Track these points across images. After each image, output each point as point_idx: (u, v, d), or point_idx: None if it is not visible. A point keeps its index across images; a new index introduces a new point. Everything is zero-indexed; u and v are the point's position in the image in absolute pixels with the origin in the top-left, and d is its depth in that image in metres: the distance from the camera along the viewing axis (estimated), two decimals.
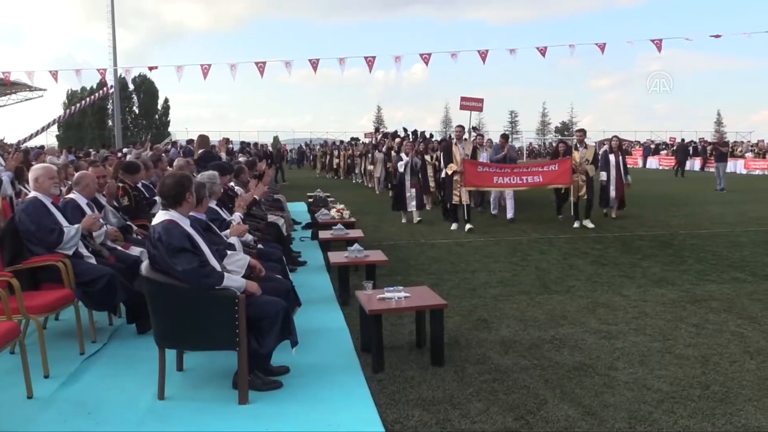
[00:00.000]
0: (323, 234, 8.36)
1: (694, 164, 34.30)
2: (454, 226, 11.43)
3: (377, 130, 24.95)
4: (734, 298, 6.33)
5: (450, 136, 19.68)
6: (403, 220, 12.54)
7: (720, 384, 4.12)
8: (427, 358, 4.59)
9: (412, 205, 12.41)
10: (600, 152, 13.09)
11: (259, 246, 6.05)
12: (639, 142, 49.94)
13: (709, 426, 3.55)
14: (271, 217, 8.24)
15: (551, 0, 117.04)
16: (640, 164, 40.60)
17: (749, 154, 35.91)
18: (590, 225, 11.36)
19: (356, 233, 8.35)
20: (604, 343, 4.97)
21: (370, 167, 21.84)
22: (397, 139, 18.36)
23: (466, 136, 13.38)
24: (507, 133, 14.08)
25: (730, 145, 32.44)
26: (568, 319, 5.67)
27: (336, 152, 30.11)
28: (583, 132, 12.44)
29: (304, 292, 5.44)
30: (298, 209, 14.20)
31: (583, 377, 4.27)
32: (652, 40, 21.98)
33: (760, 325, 5.41)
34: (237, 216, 5.92)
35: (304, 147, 49.86)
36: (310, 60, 22.51)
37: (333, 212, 9.92)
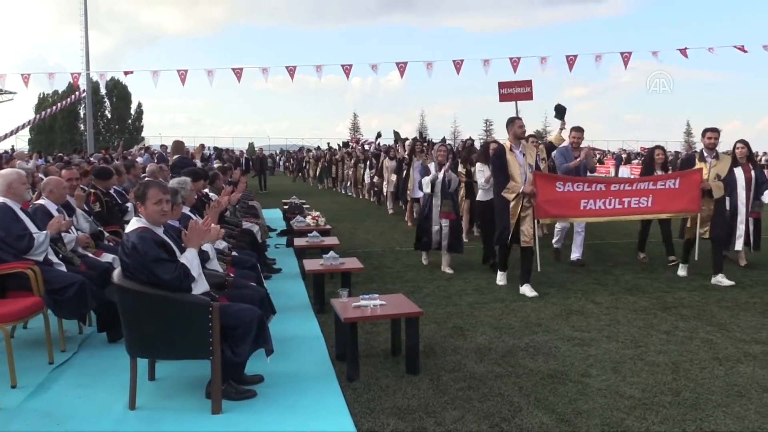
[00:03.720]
0: (298, 241, 8.33)
1: None
2: (501, 279, 7.40)
3: (380, 135, 21.97)
4: (703, 305, 6.45)
5: (468, 140, 14.00)
6: (424, 261, 8.58)
7: (690, 390, 4.19)
8: (403, 366, 4.59)
9: (443, 245, 8.18)
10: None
11: (234, 253, 6.00)
12: (611, 151, 50.73)
13: None
14: (245, 224, 8.19)
15: (527, 10, 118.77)
16: (612, 173, 41.26)
17: None
18: (725, 282, 7.37)
19: (332, 240, 8.34)
20: (578, 350, 5.02)
21: (356, 175, 20.38)
22: (408, 142, 14.11)
23: (549, 137, 8.70)
24: (581, 126, 8.58)
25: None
26: (542, 326, 5.71)
27: (333, 158, 25.55)
28: (716, 132, 7.82)
29: (279, 300, 5.41)
30: (274, 216, 14.15)
31: (557, 384, 4.31)
32: (621, 53, 22.51)
33: (728, 331, 5.51)
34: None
35: (278, 153, 49.68)
36: (287, 67, 22.55)
37: (308, 219, 9.89)
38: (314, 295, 6.44)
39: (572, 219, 7.91)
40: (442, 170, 8.08)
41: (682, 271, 7.94)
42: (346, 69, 22.61)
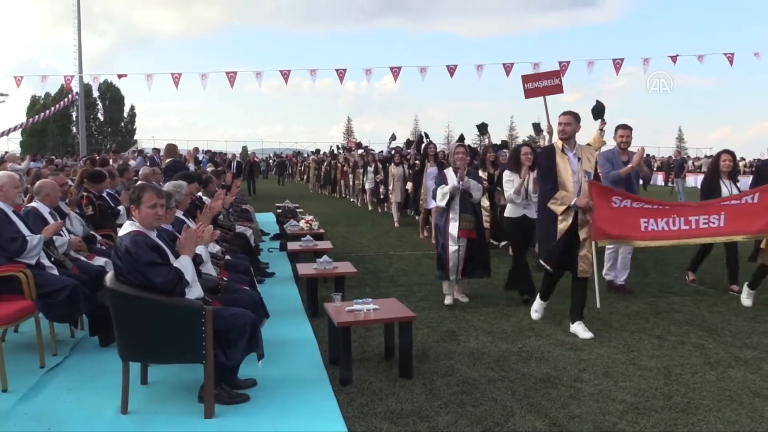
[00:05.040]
0: (292, 245, 8.31)
1: (657, 178, 35.14)
2: (536, 311, 6.17)
3: (394, 138, 19.85)
4: (695, 310, 6.48)
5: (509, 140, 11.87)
6: (447, 301, 6.73)
7: (682, 395, 4.21)
8: (396, 371, 4.59)
9: (458, 269, 6.55)
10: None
11: (227, 257, 5.99)
12: None
13: None
14: (239, 228, 8.18)
15: (520, 15, 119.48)
16: None
17: None
18: (747, 301, 6.72)
19: (325, 245, 8.33)
20: (570, 355, 5.04)
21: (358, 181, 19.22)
22: (423, 144, 12.38)
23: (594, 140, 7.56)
24: (627, 124, 7.23)
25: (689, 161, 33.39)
26: (535, 330, 5.73)
27: (335, 162, 24.20)
28: None
29: (272, 304, 5.40)
30: (267, 220, 14.13)
31: (549, 389, 4.32)
32: (614, 60, 22.68)
33: (720, 336, 5.54)
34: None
35: (272, 156, 49.70)
36: (281, 71, 22.59)
37: (302, 223, 9.88)
38: (308, 299, 6.43)
39: (634, 242, 6.55)
40: (460, 176, 6.46)
41: (747, 300, 6.68)
42: (341, 73, 22.69)
